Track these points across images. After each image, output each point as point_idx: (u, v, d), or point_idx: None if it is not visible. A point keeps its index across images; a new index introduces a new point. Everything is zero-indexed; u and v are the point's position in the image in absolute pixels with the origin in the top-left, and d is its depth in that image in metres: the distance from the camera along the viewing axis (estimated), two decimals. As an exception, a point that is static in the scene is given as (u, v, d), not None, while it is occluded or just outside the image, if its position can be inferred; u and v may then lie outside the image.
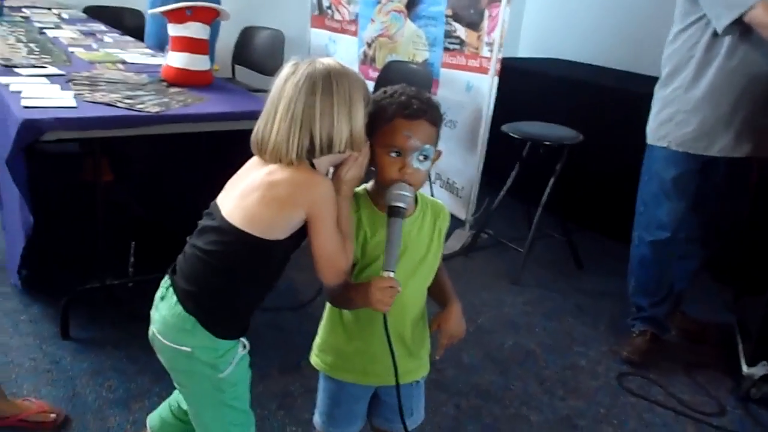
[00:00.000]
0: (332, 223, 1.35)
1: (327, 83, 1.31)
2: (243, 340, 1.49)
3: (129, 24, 4.44)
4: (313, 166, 1.36)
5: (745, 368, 2.53)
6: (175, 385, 1.55)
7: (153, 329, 1.47)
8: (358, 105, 1.33)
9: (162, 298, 1.46)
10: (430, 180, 3.88)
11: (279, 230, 1.36)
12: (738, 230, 2.85)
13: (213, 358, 1.43)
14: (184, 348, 1.42)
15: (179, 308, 1.41)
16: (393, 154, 1.36)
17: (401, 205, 1.34)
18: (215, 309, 1.42)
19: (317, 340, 1.61)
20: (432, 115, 1.37)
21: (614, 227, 3.70)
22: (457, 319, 1.49)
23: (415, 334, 1.53)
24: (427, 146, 1.36)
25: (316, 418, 1.65)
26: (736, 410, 2.47)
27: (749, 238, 2.98)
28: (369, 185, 1.46)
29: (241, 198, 1.37)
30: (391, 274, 1.31)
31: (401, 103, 1.36)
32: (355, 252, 1.43)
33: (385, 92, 1.40)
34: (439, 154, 1.44)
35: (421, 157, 1.36)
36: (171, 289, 1.44)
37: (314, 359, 1.60)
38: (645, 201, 2.67)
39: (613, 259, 3.42)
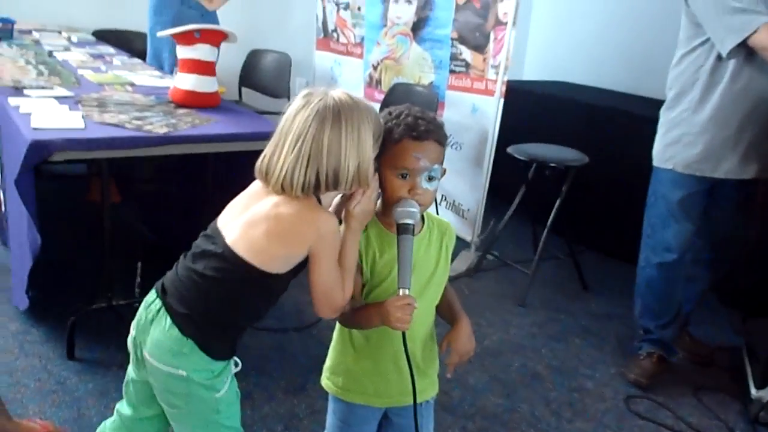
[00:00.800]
0: (333, 259, 1.36)
1: (336, 120, 1.30)
2: (235, 358, 1.50)
3: (137, 47, 4.48)
4: (319, 200, 1.36)
5: (753, 391, 2.51)
6: (164, 407, 1.52)
7: (146, 353, 1.44)
8: (367, 142, 1.32)
9: (152, 321, 1.44)
10: (436, 201, 3.88)
11: (282, 264, 1.37)
12: (745, 252, 2.84)
13: (209, 379, 1.43)
14: (180, 371, 1.40)
15: (175, 331, 1.39)
16: (402, 176, 1.36)
17: (410, 221, 1.35)
18: (213, 332, 1.41)
19: (327, 363, 1.60)
20: (438, 134, 1.38)
21: (620, 249, 3.69)
22: (467, 337, 1.49)
23: (424, 353, 1.53)
24: (436, 166, 1.37)
25: None
26: (745, 434, 2.45)
27: (757, 260, 2.97)
28: (378, 205, 1.47)
29: (248, 227, 1.37)
30: (407, 292, 1.31)
31: (408, 125, 1.36)
32: (364, 272, 1.43)
33: (390, 113, 1.41)
34: (443, 171, 1.45)
35: (429, 178, 1.37)
36: (163, 311, 1.42)
37: (325, 382, 1.60)
38: (652, 223, 2.67)
39: (620, 281, 3.41)
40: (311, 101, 1.32)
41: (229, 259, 1.36)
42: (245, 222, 1.38)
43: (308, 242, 1.34)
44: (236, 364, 1.50)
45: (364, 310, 1.39)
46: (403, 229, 1.35)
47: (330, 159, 1.30)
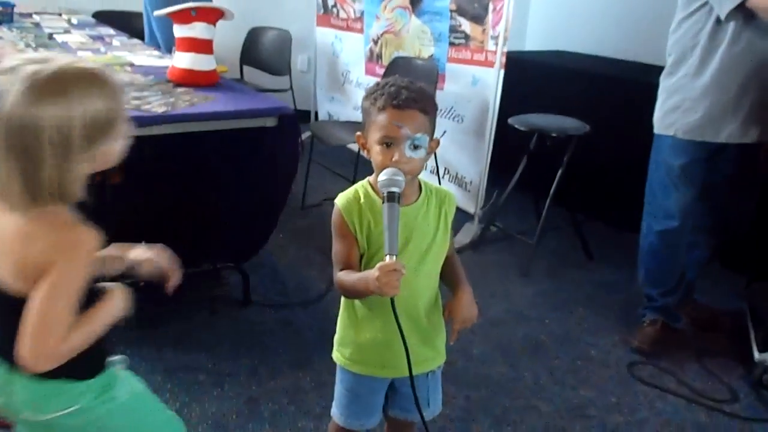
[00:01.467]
0: (72, 290, 1.18)
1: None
2: (117, 357, 1.40)
3: (137, 27, 4.48)
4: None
5: (756, 355, 2.53)
6: None
7: (27, 415, 1.30)
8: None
9: (6, 385, 1.28)
10: (438, 175, 3.89)
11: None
12: (748, 217, 2.83)
13: (101, 396, 1.33)
14: (70, 409, 1.29)
15: (34, 380, 1.24)
16: (386, 145, 1.38)
17: (394, 189, 1.35)
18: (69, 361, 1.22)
19: (336, 335, 1.62)
20: (424, 104, 1.39)
21: (623, 217, 3.69)
22: (468, 304, 1.49)
23: (430, 321, 1.55)
24: (419, 135, 1.37)
25: (335, 411, 1.66)
26: (748, 397, 2.46)
27: (759, 225, 2.97)
28: (372, 177, 1.48)
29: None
30: (394, 258, 1.31)
31: (390, 94, 1.37)
32: (360, 243, 1.44)
33: (377, 84, 1.43)
34: (437, 143, 1.45)
35: (414, 146, 1.37)
36: (8, 371, 1.26)
37: (335, 354, 1.62)
38: (653, 190, 2.66)
39: (623, 250, 3.41)
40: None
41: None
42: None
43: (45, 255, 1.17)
44: (121, 362, 1.39)
45: (356, 278, 1.40)
46: (387, 198, 1.35)
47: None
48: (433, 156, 3.73)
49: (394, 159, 1.37)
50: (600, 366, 2.61)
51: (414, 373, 1.43)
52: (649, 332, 2.72)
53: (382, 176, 1.36)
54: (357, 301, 1.52)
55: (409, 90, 1.38)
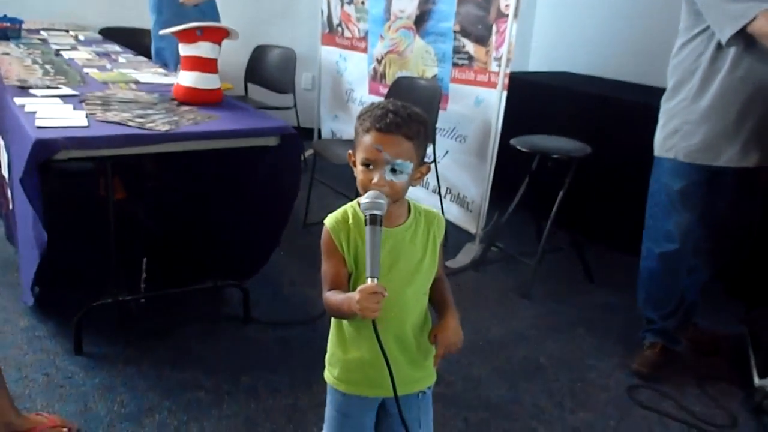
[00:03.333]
0: None
1: None
2: None
3: (143, 44, 4.52)
4: None
5: (756, 380, 2.52)
6: None
7: None
8: None
9: None
10: (440, 194, 3.90)
11: None
12: (748, 241, 2.83)
13: None
14: None
15: None
16: (366, 166, 1.39)
17: (376, 212, 1.36)
18: None
19: (327, 354, 1.63)
20: (409, 129, 1.38)
21: (624, 240, 3.68)
22: (453, 329, 1.49)
23: (419, 342, 1.54)
24: (399, 161, 1.37)
25: None
26: (748, 422, 2.45)
27: (759, 249, 2.97)
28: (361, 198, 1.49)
29: None
30: (375, 280, 1.31)
31: (376, 117, 1.38)
32: (349, 262, 1.45)
33: (371, 105, 1.43)
34: (426, 168, 1.46)
35: (393, 170, 1.38)
36: None
37: (325, 373, 1.62)
38: (653, 213, 2.67)
39: (623, 272, 3.41)
40: None
41: None
42: None
43: None
44: None
45: (340, 299, 1.41)
46: (369, 220, 1.36)
47: None
48: (434, 175, 3.75)
49: (373, 181, 1.38)
50: (599, 389, 2.60)
51: (403, 393, 1.43)
52: (648, 356, 2.71)
53: (365, 199, 1.37)
54: (345, 321, 1.53)
55: (396, 114, 1.38)
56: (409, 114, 1.40)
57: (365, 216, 1.37)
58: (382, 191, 1.37)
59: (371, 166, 1.39)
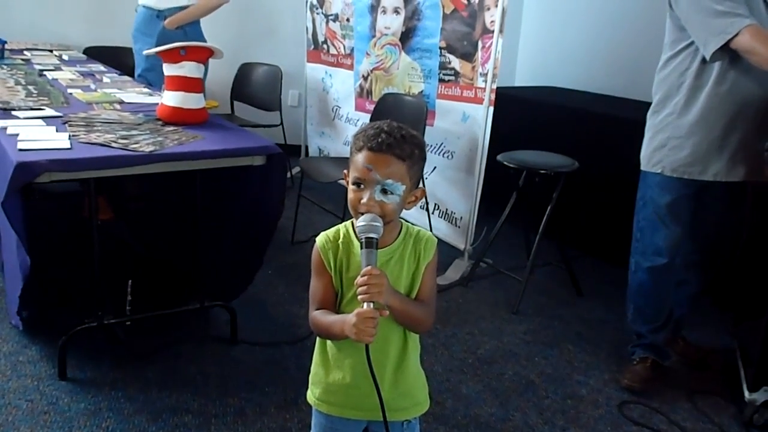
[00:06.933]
0: None
1: None
2: None
3: (128, 63, 4.50)
4: None
5: (747, 394, 2.51)
6: None
7: None
8: None
9: None
10: (428, 210, 3.89)
11: None
12: (736, 254, 2.84)
13: None
14: None
15: None
16: (356, 185, 1.39)
17: (372, 236, 1.35)
18: None
19: (311, 373, 1.61)
20: (401, 150, 1.37)
21: (613, 253, 3.69)
22: (382, 277, 1.34)
23: (402, 368, 1.52)
24: (389, 181, 1.36)
25: None
26: (739, 437, 2.44)
27: (748, 262, 2.97)
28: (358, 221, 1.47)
29: None
30: (371, 305, 1.30)
31: (369, 136, 1.38)
32: (335, 283, 1.44)
33: (369, 125, 1.44)
34: (421, 192, 1.45)
35: (383, 190, 1.37)
36: None
37: (308, 393, 1.60)
38: (641, 227, 2.67)
39: (613, 286, 3.41)
40: None
41: None
42: None
43: None
44: None
45: (332, 320, 1.39)
46: (366, 244, 1.35)
47: None
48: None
49: (362, 201, 1.37)
50: (590, 405, 2.58)
51: (388, 418, 1.41)
52: (638, 370, 2.70)
53: (361, 222, 1.36)
54: (329, 341, 1.51)
55: (389, 135, 1.37)
56: (402, 135, 1.39)
57: (361, 240, 1.36)
58: (372, 211, 1.36)
59: (362, 186, 1.38)
